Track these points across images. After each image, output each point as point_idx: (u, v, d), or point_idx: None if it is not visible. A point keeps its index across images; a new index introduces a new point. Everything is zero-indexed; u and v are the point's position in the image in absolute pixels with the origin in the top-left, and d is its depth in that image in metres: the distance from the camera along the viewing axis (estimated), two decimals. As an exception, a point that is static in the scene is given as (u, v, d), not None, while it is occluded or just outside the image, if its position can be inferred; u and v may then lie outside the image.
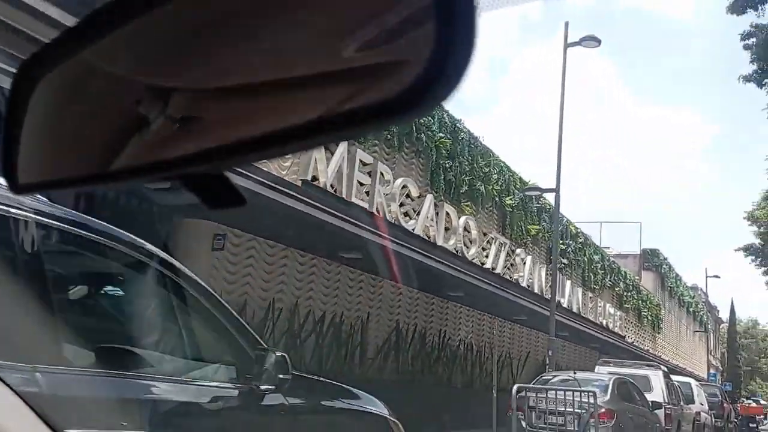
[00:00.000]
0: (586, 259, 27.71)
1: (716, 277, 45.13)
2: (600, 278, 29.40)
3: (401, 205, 12.45)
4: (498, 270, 15.90)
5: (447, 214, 13.69)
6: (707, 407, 21.19)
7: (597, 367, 15.68)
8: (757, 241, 35.83)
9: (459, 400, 14.27)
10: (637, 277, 36.63)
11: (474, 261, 14.94)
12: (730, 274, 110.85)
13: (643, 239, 46.08)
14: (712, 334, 69.57)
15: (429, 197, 13.50)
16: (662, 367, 15.79)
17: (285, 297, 10.85)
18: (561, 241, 24.83)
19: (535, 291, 17.37)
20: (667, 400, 14.75)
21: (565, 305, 20.33)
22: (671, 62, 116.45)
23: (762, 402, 38.05)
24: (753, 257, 36.74)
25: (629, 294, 34.38)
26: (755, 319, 70.95)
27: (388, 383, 11.92)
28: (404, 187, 12.48)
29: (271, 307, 10.39)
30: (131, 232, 2.68)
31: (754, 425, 30.33)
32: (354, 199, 10.45)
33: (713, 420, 21.94)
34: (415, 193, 12.73)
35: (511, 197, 20.06)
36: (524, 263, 17.16)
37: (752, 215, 34.85)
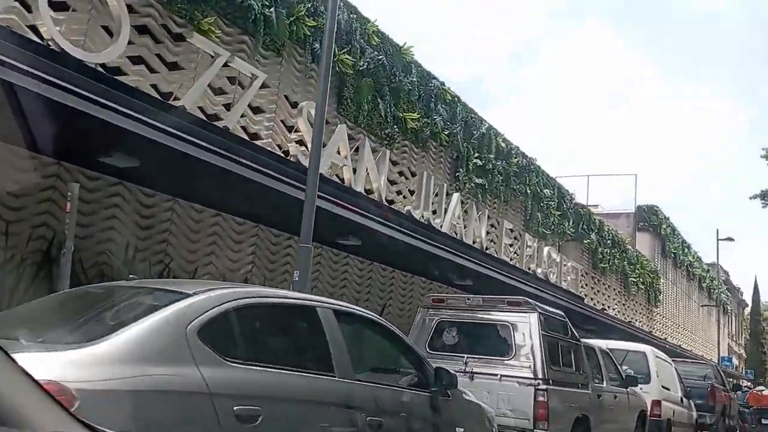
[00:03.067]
0: (528, 191, 19.96)
1: (730, 239, 36.63)
2: (553, 221, 21.62)
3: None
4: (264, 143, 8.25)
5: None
6: (682, 395, 13.46)
7: (421, 309, 8.09)
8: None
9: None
10: (616, 230, 28.61)
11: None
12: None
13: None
14: (734, 318, 61.18)
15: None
16: (537, 308, 8.00)
17: None
18: (477, 154, 17.16)
19: (367, 192, 9.65)
20: (543, 374, 7.14)
21: (444, 230, 12.64)
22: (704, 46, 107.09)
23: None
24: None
25: (607, 252, 26.52)
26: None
27: None
28: None
29: None
30: None
31: (768, 422, 21.55)
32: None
33: (695, 414, 14.22)
34: None
35: (349, 49, 12.39)
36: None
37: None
